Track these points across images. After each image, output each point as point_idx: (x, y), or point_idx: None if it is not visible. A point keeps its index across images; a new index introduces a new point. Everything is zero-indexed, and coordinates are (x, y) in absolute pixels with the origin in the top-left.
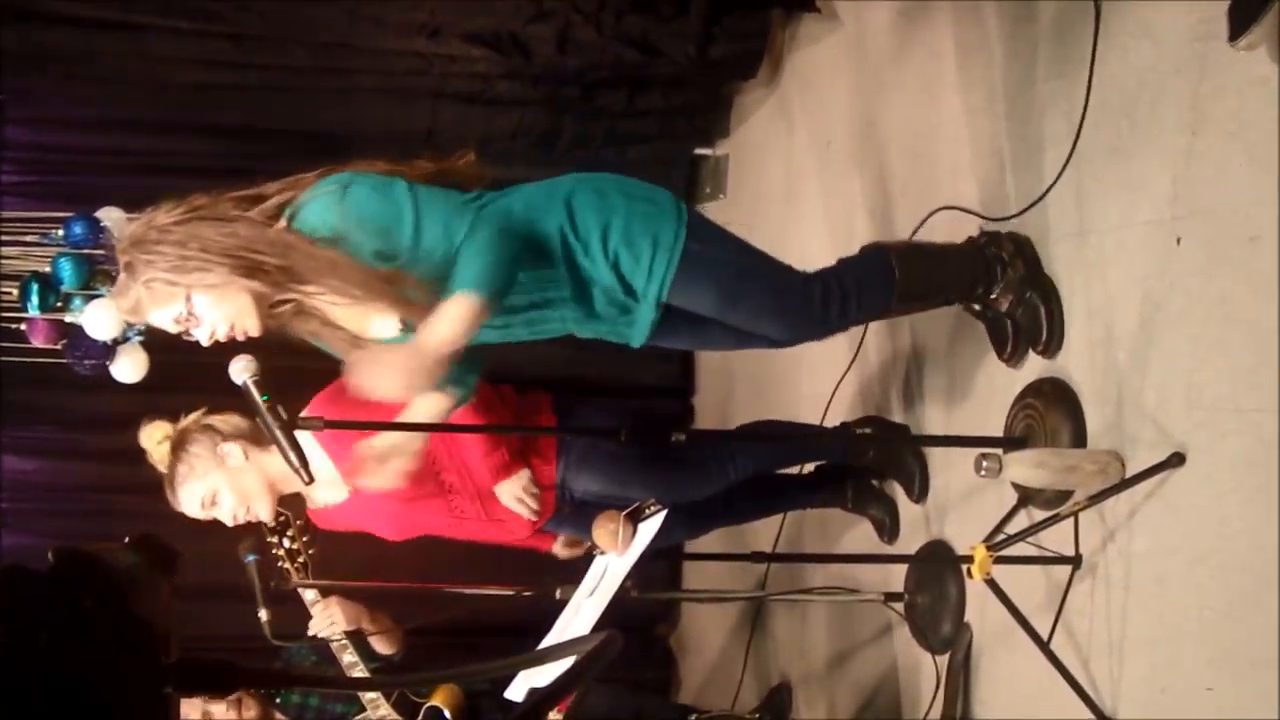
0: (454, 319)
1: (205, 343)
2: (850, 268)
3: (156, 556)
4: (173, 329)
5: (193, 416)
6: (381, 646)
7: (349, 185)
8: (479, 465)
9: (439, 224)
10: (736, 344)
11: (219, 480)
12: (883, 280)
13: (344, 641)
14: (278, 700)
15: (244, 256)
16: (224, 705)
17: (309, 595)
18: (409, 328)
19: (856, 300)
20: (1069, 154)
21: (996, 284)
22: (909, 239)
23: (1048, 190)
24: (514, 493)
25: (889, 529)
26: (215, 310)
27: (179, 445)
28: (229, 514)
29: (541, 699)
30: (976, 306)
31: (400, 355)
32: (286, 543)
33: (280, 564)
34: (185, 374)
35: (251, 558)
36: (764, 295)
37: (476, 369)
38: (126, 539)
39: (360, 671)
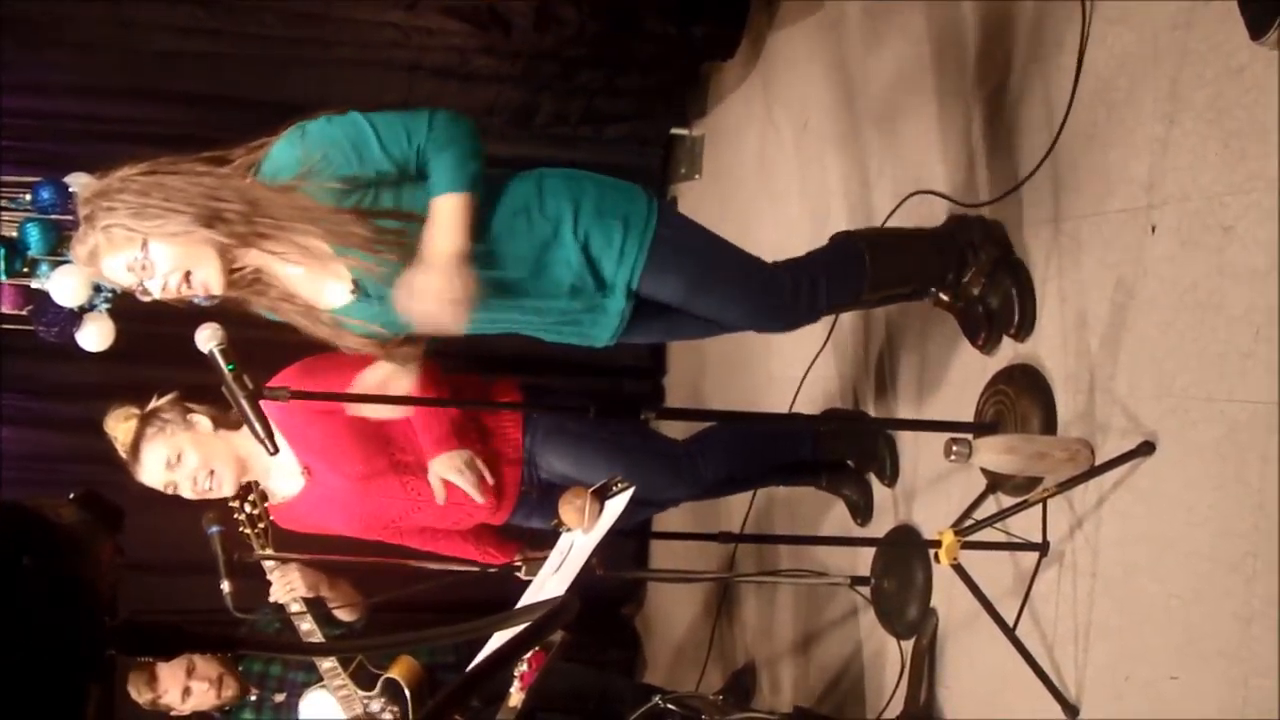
0: (447, 222)
1: (157, 294)
2: (819, 258)
3: (101, 514)
4: (126, 279)
5: (163, 400)
6: (343, 614)
7: (307, 123)
8: (420, 434)
9: (399, 128)
10: (703, 333)
11: (185, 441)
12: (853, 270)
13: (302, 609)
14: (239, 668)
15: (205, 205)
16: (205, 684)
17: (268, 562)
18: (362, 291)
19: (826, 292)
20: (1052, 142)
21: (967, 269)
22: (879, 226)
23: (1028, 177)
24: (452, 467)
25: (863, 510)
26: (170, 259)
27: (147, 419)
28: (190, 474)
29: (497, 659)
30: (945, 298)
31: (428, 273)
32: (248, 508)
33: (241, 529)
34: (151, 344)
35: (215, 529)
36: (733, 284)
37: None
38: (71, 495)
39: (317, 639)
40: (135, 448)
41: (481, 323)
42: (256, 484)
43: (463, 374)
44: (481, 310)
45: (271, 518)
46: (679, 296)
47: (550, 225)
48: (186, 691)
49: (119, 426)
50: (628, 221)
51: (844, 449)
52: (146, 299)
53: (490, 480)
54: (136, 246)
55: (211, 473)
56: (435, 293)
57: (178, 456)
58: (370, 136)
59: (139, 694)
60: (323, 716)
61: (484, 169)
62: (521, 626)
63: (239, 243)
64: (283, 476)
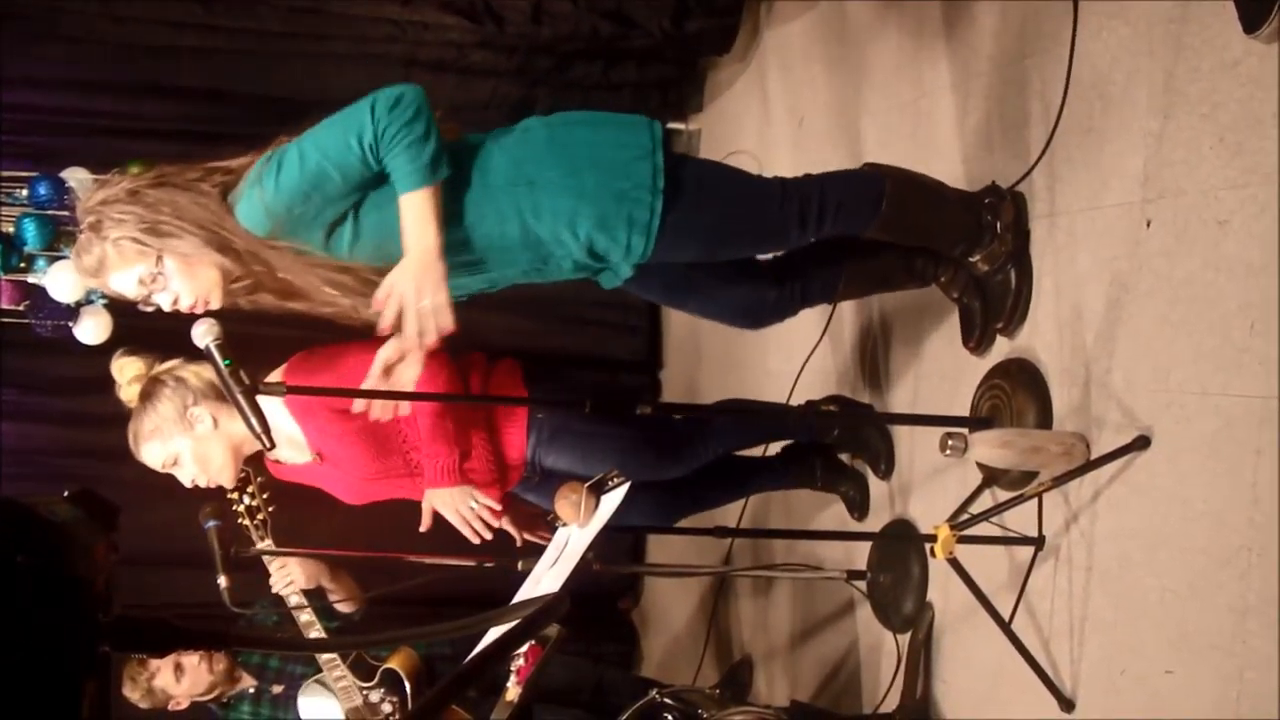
0: (413, 221)
1: (166, 308)
2: (837, 184)
3: (96, 512)
4: (133, 292)
5: (168, 365)
6: (342, 606)
7: (260, 180)
8: (425, 457)
9: (349, 140)
10: (708, 312)
11: (182, 446)
12: (867, 206)
13: (301, 601)
14: (238, 659)
15: (215, 231)
16: (195, 657)
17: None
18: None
19: (833, 218)
20: (1049, 138)
21: (980, 249)
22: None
23: (1027, 174)
24: (452, 506)
25: (859, 505)
26: (183, 280)
27: (148, 395)
28: (188, 479)
29: (491, 654)
30: (955, 294)
31: (403, 271)
32: (247, 499)
33: (240, 520)
34: (149, 337)
35: (212, 524)
36: (743, 244)
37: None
38: (65, 493)
39: (317, 632)
40: (135, 433)
41: (476, 284)
42: (256, 476)
43: (467, 356)
44: (482, 282)
45: (271, 508)
46: (689, 260)
47: (547, 229)
48: (179, 669)
49: (125, 384)
50: (631, 221)
51: (841, 432)
52: (148, 309)
53: (497, 507)
54: (150, 261)
55: (210, 476)
56: (414, 292)
57: (174, 460)
58: (327, 172)
59: (134, 685)
60: (322, 708)
61: (439, 146)
62: (515, 622)
63: (246, 272)
64: (290, 447)
